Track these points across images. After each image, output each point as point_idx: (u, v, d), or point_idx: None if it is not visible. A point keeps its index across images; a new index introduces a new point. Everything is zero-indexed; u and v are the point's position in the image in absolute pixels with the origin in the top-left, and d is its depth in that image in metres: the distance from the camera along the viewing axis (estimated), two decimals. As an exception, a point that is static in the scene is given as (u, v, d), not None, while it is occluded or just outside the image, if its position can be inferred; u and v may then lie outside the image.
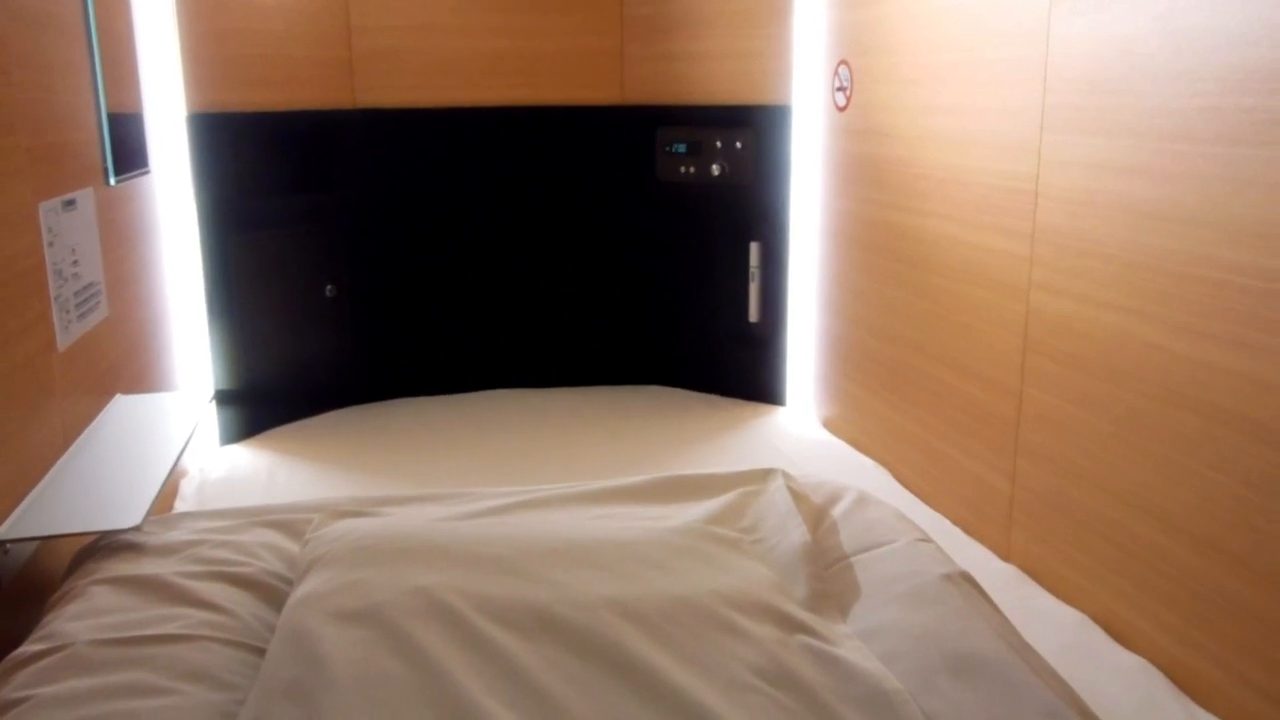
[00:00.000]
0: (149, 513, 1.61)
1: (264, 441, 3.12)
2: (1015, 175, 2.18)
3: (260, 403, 3.18)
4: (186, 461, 2.81)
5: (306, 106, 3.19)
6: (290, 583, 1.42)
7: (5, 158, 1.65)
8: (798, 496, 1.60)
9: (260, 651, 1.29)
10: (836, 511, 1.63)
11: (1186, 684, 1.79)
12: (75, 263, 1.96)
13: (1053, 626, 2.00)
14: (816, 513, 1.62)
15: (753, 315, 3.42)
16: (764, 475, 1.68)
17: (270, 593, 1.42)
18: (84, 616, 1.30)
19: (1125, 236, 1.87)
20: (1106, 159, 1.91)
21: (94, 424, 2.01)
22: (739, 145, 3.36)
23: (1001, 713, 1.12)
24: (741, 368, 3.53)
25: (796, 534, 1.48)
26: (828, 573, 1.46)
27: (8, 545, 1.53)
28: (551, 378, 3.70)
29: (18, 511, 1.59)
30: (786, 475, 1.67)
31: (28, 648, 1.24)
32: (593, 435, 3.21)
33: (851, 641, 1.27)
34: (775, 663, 1.16)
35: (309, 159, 3.26)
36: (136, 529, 1.58)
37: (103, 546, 1.55)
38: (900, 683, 1.17)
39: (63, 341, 1.86)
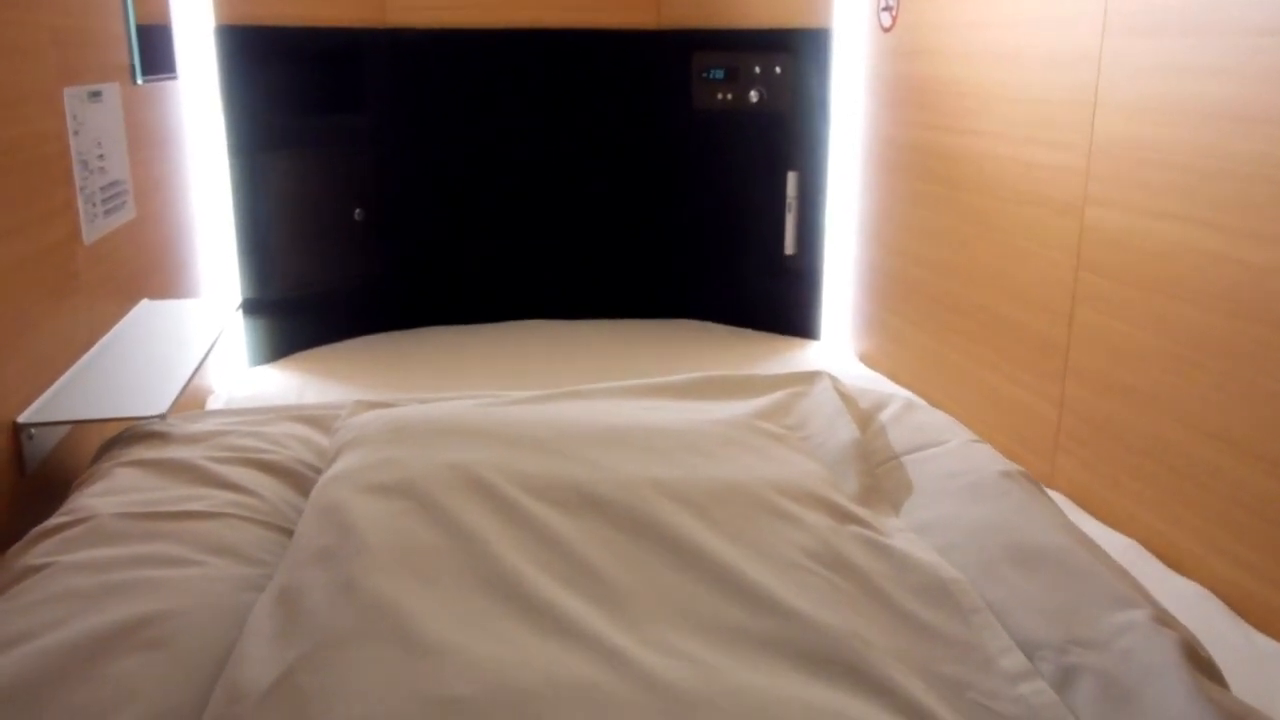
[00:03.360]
0: (175, 402, 1.57)
1: (292, 363, 3.08)
2: (1073, 86, 2.08)
3: (288, 324, 3.13)
4: (214, 381, 2.78)
5: (336, 24, 3.12)
6: (319, 472, 1.37)
7: (27, 34, 1.59)
8: (845, 398, 1.54)
9: (288, 533, 1.24)
10: (885, 415, 1.57)
11: (1243, 608, 1.73)
12: (101, 157, 1.91)
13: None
14: (864, 415, 1.55)
15: (789, 248, 3.34)
16: (811, 377, 1.62)
17: (299, 480, 1.37)
18: (109, 494, 1.26)
19: (1189, 140, 1.78)
20: (1173, 59, 1.81)
21: (120, 324, 1.97)
22: (778, 71, 3.26)
23: (1069, 601, 1.05)
24: (776, 301, 3.45)
25: (845, 432, 1.42)
26: (879, 470, 1.39)
27: (32, 430, 1.49)
28: (581, 309, 3.64)
29: (43, 398, 1.55)
30: (833, 377, 1.61)
31: (52, 520, 1.20)
32: (622, 369, 3.14)
33: (906, 534, 1.21)
34: (828, 547, 1.10)
35: (338, 78, 3.19)
36: (162, 417, 1.54)
37: (128, 435, 1.51)
38: (958, 572, 1.11)
39: (89, 235, 1.81)
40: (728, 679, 0.87)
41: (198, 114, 2.73)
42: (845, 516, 1.19)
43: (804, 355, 3.25)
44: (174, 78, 2.49)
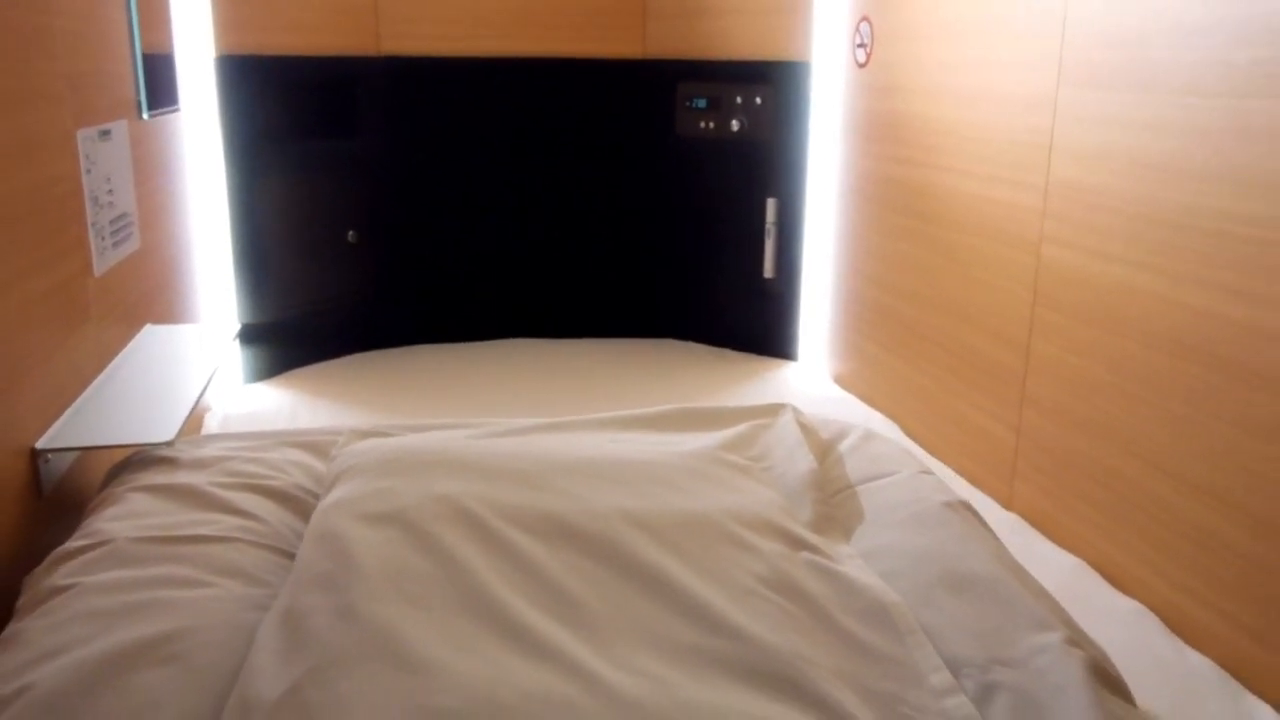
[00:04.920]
0: (181, 430, 1.68)
1: (286, 381, 3.19)
2: (1031, 129, 2.21)
3: (282, 343, 3.24)
4: (210, 398, 2.88)
5: (332, 52, 3.23)
6: (317, 496, 1.49)
7: (47, 82, 1.70)
8: (806, 429, 1.66)
9: (289, 555, 1.35)
10: (844, 446, 1.68)
11: (1179, 626, 1.85)
12: (110, 191, 2.01)
13: (1052, 572, 2.06)
14: (824, 446, 1.67)
15: (768, 271, 3.46)
16: (775, 409, 1.73)
17: (298, 504, 1.49)
18: (124, 518, 1.37)
19: (1133, 190, 1.91)
20: (1119, 113, 1.94)
21: (126, 350, 2.08)
22: (759, 101, 3.39)
23: (994, 624, 1.17)
24: (755, 323, 3.57)
25: (804, 463, 1.54)
26: (833, 499, 1.51)
27: (48, 455, 1.60)
28: (567, 329, 3.76)
29: (57, 425, 1.66)
30: (796, 410, 1.73)
31: (71, 544, 1.31)
32: (606, 386, 3.26)
33: (854, 560, 1.33)
34: (780, 574, 1.22)
35: (333, 105, 3.30)
36: (169, 444, 1.64)
37: (137, 460, 1.62)
38: (898, 596, 1.23)
39: (99, 267, 1.92)
40: (683, 694, 0.99)
41: (197, 142, 2.84)
42: (798, 544, 1.31)
43: (781, 376, 3.37)
44: (176, 110, 2.60)
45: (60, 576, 1.22)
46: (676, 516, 1.28)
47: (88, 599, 1.16)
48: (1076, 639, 1.14)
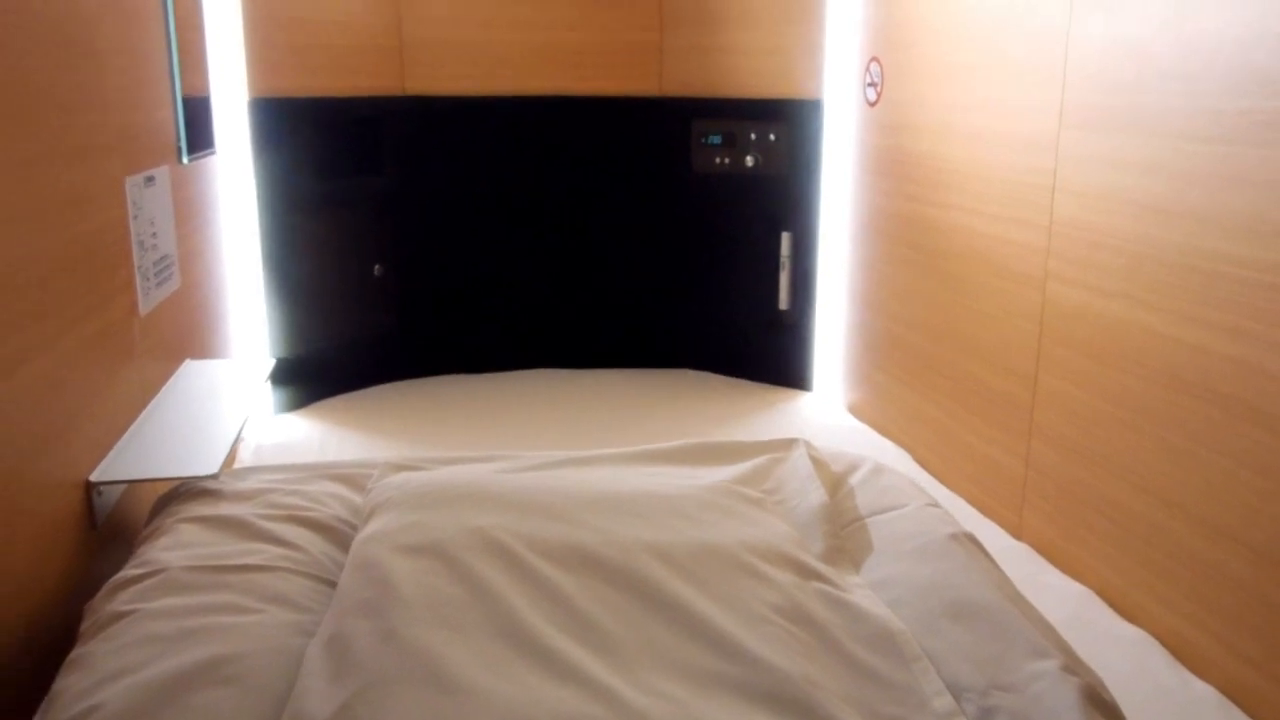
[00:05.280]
0: (224, 463, 1.77)
1: (315, 412, 3.29)
2: (1034, 170, 2.29)
3: (312, 375, 3.34)
4: (245, 428, 2.98)
5: (359, 93, 3.35)
6: (354, 527, 1.57)
7: (99, 135, 1.81)
8: (818, 463, 1.74)
9: (330, 583, 1.44)
10: (854, 479, 1.76)
11: (1182, 654, 1.91)
12: (154, 235, 2.12)
13: (1058, 600, 2.12)
14: (835, 479, 1.75)
15: (783, 303, 3.55)
16: (788, 444, 1.81)
17: (337, 535, 1.57)
18: (175, 548, 1.45)
19: (1133, 230, 1.99)
20: (1118, 155, 2.02)
21: (168, 385, 2.18)
22: (773, 138, 3.49)
23: (994, 651, 1.25)
24: (771, 353, 3.65)
25: (815, 496, 1.62)
26: (843, 531, 1.59)
27: (100, 487, 1.70)
28: (588, 359, 3.85)
29: (108, 459, 1.76)
30: (809, 444, 1.81)
31: (128, 572, 1.40)
32: (626, 416, 3.35)
33: (862, 590, 1.41)
34: (792, 603, 1.29)
35: (360, 143, 3.42)
36: (213, 477, 1.74)
37: (183, 491, 1.71)
38: (904, 625, 1.31)
39: (144, 307, 2.02)
40: (697, 714, 1.07)
41: (231, 182, 2.95)
42: (809, 574, 1.39)
43: (796, 405, 3.45)
44: (212, 153, 2.71)
45: (120, 603, 1.31)
46: (694, 547, 1.36)
47: (147, 624, 1.24)
48: (1072, 666, 1.21)
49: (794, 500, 1.63)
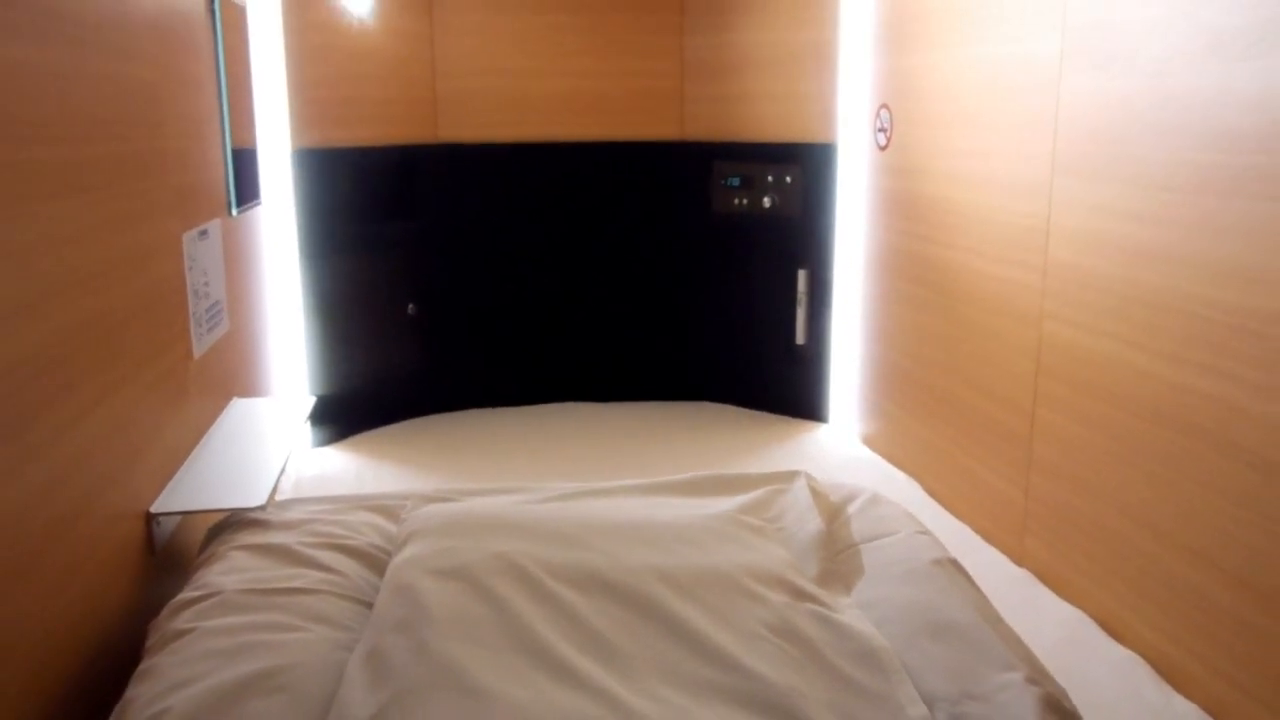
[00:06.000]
0: (271, 495, 1.93)
1: (351, 445, 3.46)
2: (1030, 214, 2.42)
3: (348, 410, 3.52)
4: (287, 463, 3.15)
5: (394, 142, 3.54)
6: (389, 553, 1.72)
7: (160, 196, 1.99)
8: (817, 494, 1.87)
9: (367, 605, 1.59)
10: (852, 508, 1.89)
11: (1168, 674, 2.02)
12: (207, 283, 2.30)
13: (1055, 622, 2.24)
14: (833, 508, 1.88)
15: (799, 338, 3.69)
16: (790, 476, 1.95)
17: (373, 560, 1.72)
18: (229, 573, 1.61)
19: (1120, 273, 2.11)
20: (1105, 202, 2.15)
21: (217, 422, 2.35)
22: (788, 180, 3.64)
23: (967, 665, 1.37)
24: (788, 386, 3.79)
25: (813, 524, 1.75)
26: (838, 556, 1.72)
27: (159, 518, 1.86)
28: (611, 393, 4.00)
29: (165, 491, 1.92)
30: (809, 476, 1.94)
31: (187, 594, 1.56)
32: (647, 447, 3.49)
33: (852, 610, 1.53)
34: (784, 621, 1.43)
35: (395, 189, 3.61)
36: (261, 508, 1.90)
37: (234, 521, 1.87)
38: (887, 642, 1.43)
39: (197, 350, 2.20)
40: (694, 718, 1.20)
41: (275, 229, 3.14)
42: (803, 595, 1.52)
43: (813, 437, 3.57)
44: (259, 203, 2.90)
45: (181, 621, 1.46)
46: (696, 571, 1.50)
47: (206, 640, 1.40)
48: (1036, 678, 1.33)
49: (793, 528, 1.76)
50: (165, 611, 1.53)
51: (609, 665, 1.30)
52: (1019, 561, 2.53)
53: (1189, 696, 1.95)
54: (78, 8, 1.60)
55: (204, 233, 2.29)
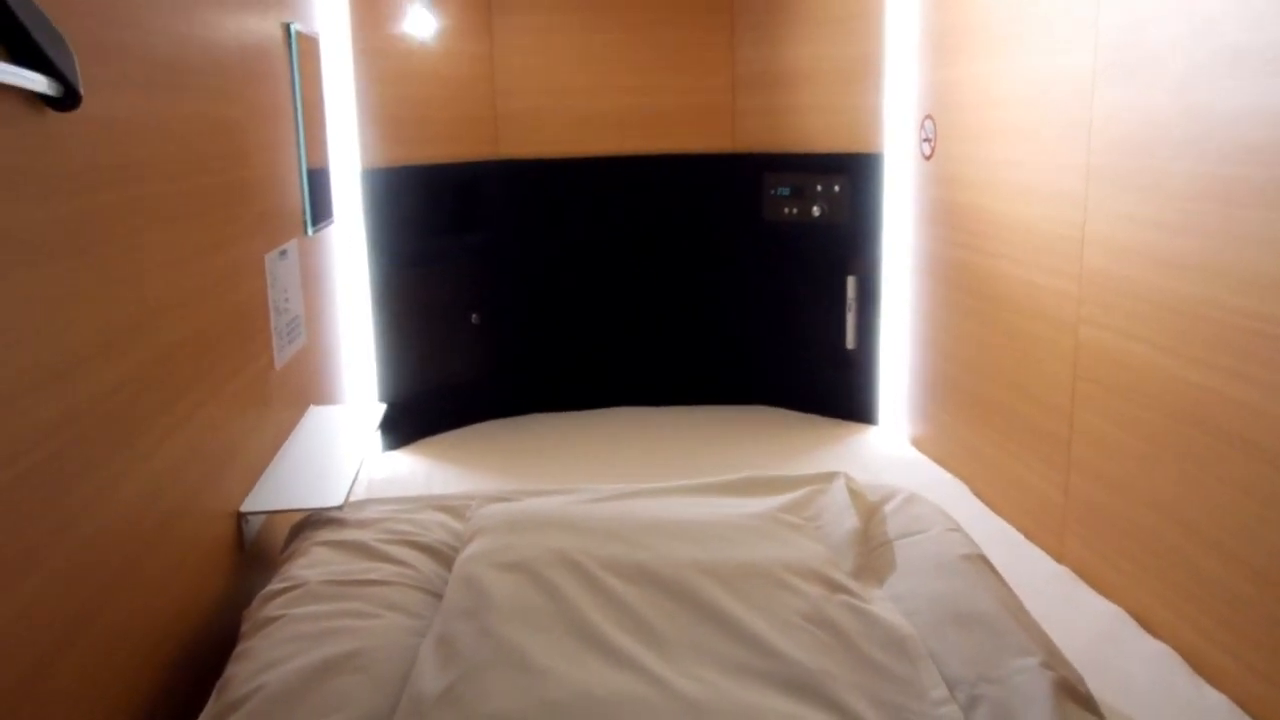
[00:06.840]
0: (347, 496, 2.10)
1: (419, 449, 3.63)
2: (1066, 222, 2.50)
3: (416, 415, 3.70)
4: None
5: (457, 159, 3.71)
6: (456, 549, 1.87)
7: (246, 221, 2.17)
8: (854, 494, 1.98)
9: (437, 595, 1.74)
10: (888, 507, 2.00)
11: (1201, 668, 2.09)
12: (286, 299, 2.48)
13: (1092, 618, 2.32)
14: (870, 507, 1.99)
15: (849, 343, 3.78)
16: (829, 476, 2.06)
17: (442, 555, 1.88)
18: (312, 566, 1.77)
19: (1151, 280, 2.19)
20: (1136, 211, 2.23)
21: (296, 428, 2.52)
22: (837, 189, 3.74)
23: (986, 651, 1.48)
24: (839, 390, 3.89)
25: (849, 522, 1.87)
26: (872, 552, 1.83)
27: (248, 516, 2.04)
28: (668, 397, 4.14)
29: (253, 492, 2.10)
30: (848, 477, 2.05)
31: (275, 585, 1.72)
32: (700, 449, 3.62)
33: (883, 601, 1.65)
34: (818, 611, 1.55)
35: (459, 204, 3.78)
36: (339, 508, 2.06)
37: (314, 520, 2.03)
38: (914, 630, 1.54)
39: (279, 362, 2.37)
40: (732, 697, 1.33)
41: (346, 245, 3.33)
42: (837, 588, 1.64)
43: (863, 439, 3.67)
44: (332, 222, 3.09)
45: (271, 609, 1.63)
46: (737, 565, 1.63)
47: (294, 626, 1.56)
48: (1052, 663, 1.44)
49: (830, 526, 1.88)
50: (256, 601, 1.70)
51: (653, 648, 1.43)
52: (1059, 559, 2.61)
53: (1220, 688, 2.02)
54: (177, 55, 1.77)
55: (284, 252, 2.47)
